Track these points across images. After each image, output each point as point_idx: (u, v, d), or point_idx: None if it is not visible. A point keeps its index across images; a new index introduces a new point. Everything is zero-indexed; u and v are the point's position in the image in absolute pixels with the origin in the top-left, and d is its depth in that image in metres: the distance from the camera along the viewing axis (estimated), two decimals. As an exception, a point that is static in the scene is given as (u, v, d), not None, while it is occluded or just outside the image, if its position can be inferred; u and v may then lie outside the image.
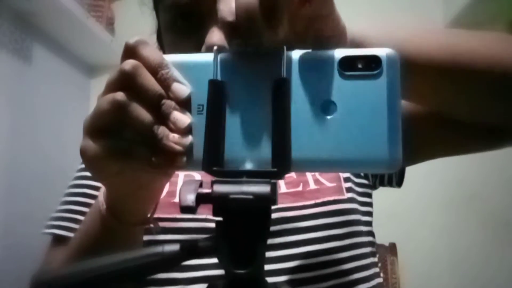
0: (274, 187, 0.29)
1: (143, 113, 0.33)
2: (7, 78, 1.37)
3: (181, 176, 0.61)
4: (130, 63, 0.34)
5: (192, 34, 0.56)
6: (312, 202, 0.60)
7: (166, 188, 0.59)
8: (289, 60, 0.32)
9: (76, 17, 1.51)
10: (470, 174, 1.55)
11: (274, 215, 0.57)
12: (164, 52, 0.64)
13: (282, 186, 0.61)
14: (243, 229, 0.29)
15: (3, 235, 1.30)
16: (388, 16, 1.68)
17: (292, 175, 0.62)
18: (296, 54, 0.33)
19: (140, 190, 0.40)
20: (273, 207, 0.58)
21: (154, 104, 0.33)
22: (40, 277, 0.29)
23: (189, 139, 0.33)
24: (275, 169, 0.30)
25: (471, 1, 1.53)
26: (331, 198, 0.60)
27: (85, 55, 1.77)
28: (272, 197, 0.29)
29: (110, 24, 1.77)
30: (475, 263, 1.48)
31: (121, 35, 1.79)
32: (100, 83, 1.91)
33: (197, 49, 0.55)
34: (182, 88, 0.33)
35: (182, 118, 0.33)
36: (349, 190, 0.63)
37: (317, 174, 0.63)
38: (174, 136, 0.32)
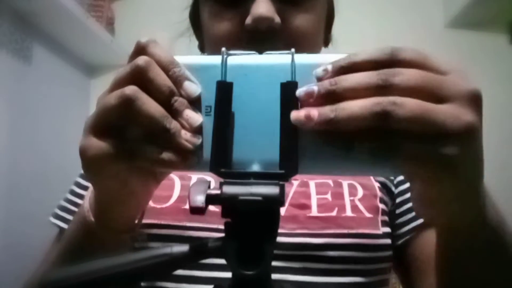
0: (283, 189, 0.30)
1: (154, 107, 0.32)
2: (7, 78, 1.37)
3: (193, 180, 0.59)
4: (143, 59, 0.33)
5: (236, 4, 0.54)
6: (345, 231, 0.54)
7: (177, 193, 0.57)
8: (298, 63, 0.33)
9: (76, 17, 1.51)
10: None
11: (299, 240, 0.53)
12: (202, 26, 0.61)
13: (314, 208, 0.56)
14: (251, 230, 0.29)
15: (3, 235, 1.30)
16: (388, 16, 1.69)
17: (327, 197, 0.57)
18: (304, 57, 0.33)
19: (131, 196, 0.40)
20: (299, 231, 0.54)
21: (165, 100, 0.33)
22: (48, 277, 0.29)
23: (200, 138, 0.32)
24: (283, 171, 0.30)
25: (471, 1, 1.54)
26: (366, 231, 0.55)
27: (85, 55, 1.77)
28: (280, 199, 0.29)
29: (110, 24, 1.77)
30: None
31: (121, 35, 1.79)
32: (100, 83, 1.90)
33: (241, 21, 0.53)
34: (193, 87, 0.33)
35: (195, 116, 0.33)
36: (384, 224, 0.58)
37: (356, 200, 0.58)
38: (186, 134, 0.32)
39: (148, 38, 0.35)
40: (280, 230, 0.53)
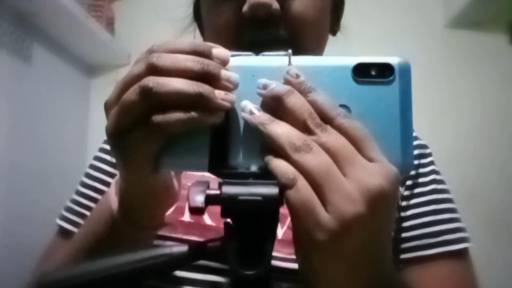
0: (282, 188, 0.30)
1: (176, 82, 0.31)
2: (7, 78, 1.37)
3: None
4: (152, 55, 0.33)
5: None
6: None
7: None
8: (300, 65, 0.33)
9: (76, 17, 1.50)
10: (471, 174, 1.55)
11: (296, 265, 0.51)
12: (202, 21, 0.60)
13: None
14: (251, 230, 0.29)
15: (3, 235, 1.30)
16: (388, 16, 1.69)
17: None
18: (307, 59, 0.33)
19: (163, 192, 0.39)
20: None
21: (193, 76, 0.32)
22: (47, 277, 0.29)
23: (234, 95, 0.32)
24: None
25: (471, 1, 1.53)
26: None
27: (85, 55, 1.77)
28: (280, 198, 0.29)
29: (110, 24, 1.77)
30: (476, 264, 1.48)
31: (121, 35, 1.78)
32: (100, 83, 1.90)
33: (239, 10, 0.51)
34: (224, 51, 0.33)
35: (233, 75, 0.32)
36: None
37: None
38: (220, 93, 0.32)
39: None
40: (276, 254, 0.52)
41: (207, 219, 0.56)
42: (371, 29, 1.62)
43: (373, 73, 0.32)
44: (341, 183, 0.29)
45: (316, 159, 0.30)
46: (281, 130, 0.31)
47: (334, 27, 0.65)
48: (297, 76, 0.32)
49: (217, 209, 0.29)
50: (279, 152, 0.30)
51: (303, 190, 0.29)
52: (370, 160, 0.31)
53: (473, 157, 1.57)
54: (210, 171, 0.32)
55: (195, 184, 0.30)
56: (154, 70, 0.32)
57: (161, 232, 0.52)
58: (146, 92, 0.31)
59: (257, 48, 0.38)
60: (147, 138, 0.32)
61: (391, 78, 0.32)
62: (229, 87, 0.32)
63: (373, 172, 0.30)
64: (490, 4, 1.52)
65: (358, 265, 0.31)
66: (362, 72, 0.33)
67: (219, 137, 0.32)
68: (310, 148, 0.30)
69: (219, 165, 0.31)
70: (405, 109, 0.32)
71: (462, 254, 0.61)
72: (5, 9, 1.36)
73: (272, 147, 0.31)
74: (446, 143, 1.58)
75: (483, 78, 1.62)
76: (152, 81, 0.31)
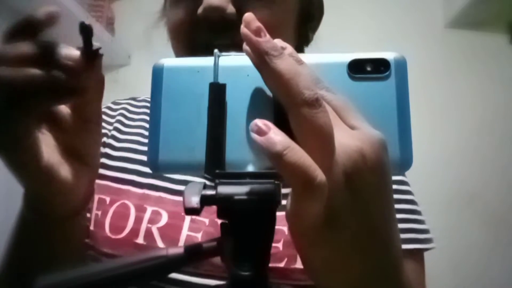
0: (279, 188, 0.29)
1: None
2: (7, 78, 1.37)
3: (148, 212, 0.55)
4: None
5: None
6: (291, 283, 0.50)
7: (131, 224, 0.54)
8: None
9: (76, 17, 1.51)
10: (471, 175, 1.55)
11: None
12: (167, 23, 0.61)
13: None
14: (248, 230, 0.29)
15: (3, 235, 1.30)
16: (388, 16, 1.69)
17: (279, 246, 0.51)
18: (301, 57, 0.33)
19: (59, 174, 0.39)
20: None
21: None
22: (43, 280, 0.29)
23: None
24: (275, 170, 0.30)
25: (471, 1, 1.54)
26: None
27: (85, 55, 1.77)
28: (276, 198, 0.29)
29: (110, 24, 1.77)
30: (476, 264, 1.48)
31: (121, 35, 1.78)
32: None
33: (195, 10, 0.51)
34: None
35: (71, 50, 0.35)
36: None
37: None
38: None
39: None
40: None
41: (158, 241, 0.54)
42: (371, 29, 1.62)
43: (368, 69, 0.32)
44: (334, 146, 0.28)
45: (325, 116, 0.27)
46: (287, 67, 0.28)
47: (301, 36, 0.63)
48: (282, 48, 0.31)
49: None
50: (284, 98, 0.28)
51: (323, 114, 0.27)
52: (352, 127, 0.30)
53: (473, 157, 1.57)
54: (206, 172, 0.32)
55: (190, 185, 0.30)
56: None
57: (118, 253, 0.52)
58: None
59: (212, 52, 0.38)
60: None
61: (387, 73, 0.32)
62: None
63: (354, 135, 0.29)
64: (490, 4, 1.52)
65: (354, 241, 0.29)
66: (357, 68, 0.32)
67: (215, 139, 0.31)
68: (319, 104, 0.27)
69: (215, 166, 0.31)
70: (402, 104, 0.32)
71: (419, 255, 0.60)
72: (5, 9, 1.36)
73: (272, 89, 0.29)
74: (446, 143, 1.58)
75: (483, 78, 1.62)
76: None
